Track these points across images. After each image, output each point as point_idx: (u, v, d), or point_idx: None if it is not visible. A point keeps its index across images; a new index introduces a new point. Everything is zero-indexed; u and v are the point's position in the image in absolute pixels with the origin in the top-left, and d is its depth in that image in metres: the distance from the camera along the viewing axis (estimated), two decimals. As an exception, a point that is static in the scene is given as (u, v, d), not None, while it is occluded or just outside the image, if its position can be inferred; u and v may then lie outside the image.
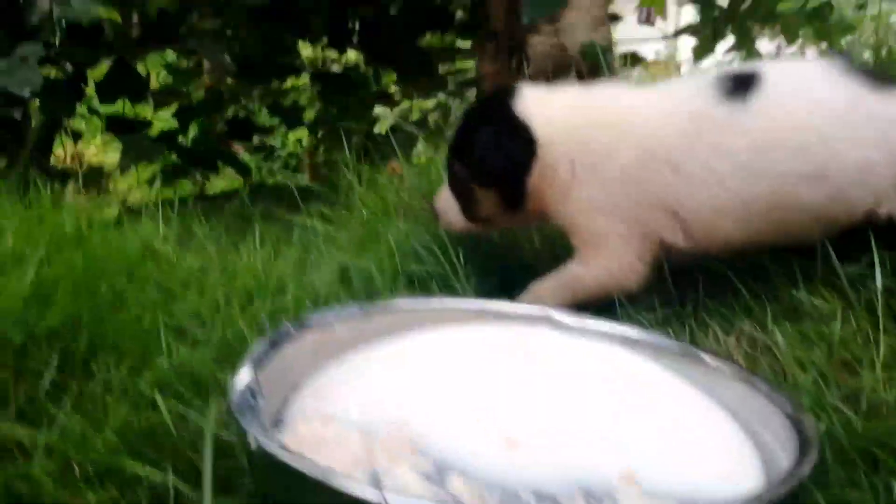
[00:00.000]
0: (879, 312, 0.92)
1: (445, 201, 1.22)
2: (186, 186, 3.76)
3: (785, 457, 0.75)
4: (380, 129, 4.45)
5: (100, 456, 0.79)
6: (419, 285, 1.20)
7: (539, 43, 2.81)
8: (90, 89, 3.19)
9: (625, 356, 0.95)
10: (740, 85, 1.06)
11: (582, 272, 1.15)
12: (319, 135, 4.06)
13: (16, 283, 1.02)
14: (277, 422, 0.82)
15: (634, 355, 0.95)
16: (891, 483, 0.73)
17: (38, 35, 2.67)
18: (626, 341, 0.98)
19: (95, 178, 3.41)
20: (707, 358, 0.91)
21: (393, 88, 4.28)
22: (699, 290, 1.09)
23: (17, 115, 2.75)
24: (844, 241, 1.02)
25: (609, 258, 1.13)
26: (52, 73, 3.04)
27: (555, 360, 0.95)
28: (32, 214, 1.37)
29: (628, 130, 1.10)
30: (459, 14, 3.52)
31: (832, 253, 1.00)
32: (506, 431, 0.80)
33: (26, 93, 2.42)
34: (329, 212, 1.69)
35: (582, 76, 2.78)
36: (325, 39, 3.55)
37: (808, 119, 1.04)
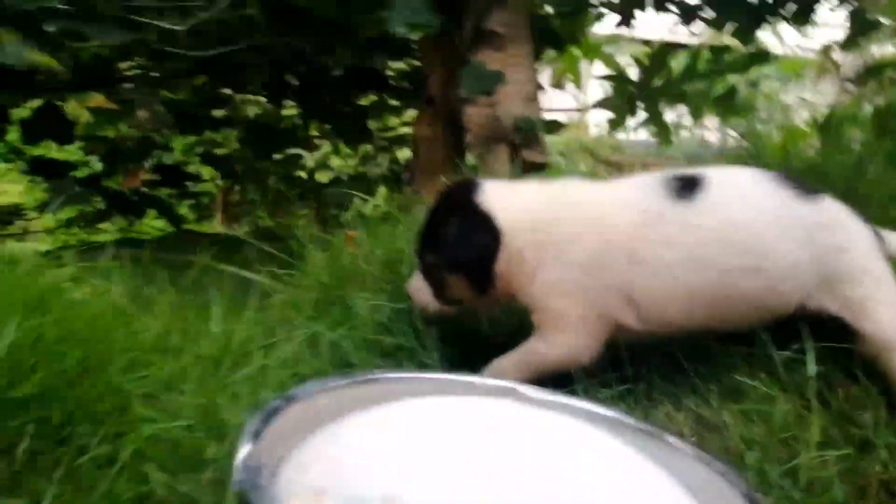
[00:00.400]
0: (811, 395, 1.04)
1: (418, 286, 1.31)
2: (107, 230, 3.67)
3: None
4: (305, 173, 4.48)
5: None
6: (389, 357, 1.25)
7: (475, 113, 2.94)
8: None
9: (590, 431, 1.02)
10: (687, 186, 1.19)
11: (542, 348, 1.23)
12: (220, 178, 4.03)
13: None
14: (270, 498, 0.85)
15: (598, 431, 1.02)
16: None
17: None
18: (589, 416, 1.05)
19: (8, 218, 3.29)
20: (666, 437, 1.00)
21: (313, 132, 4.34)
22: (651, 369, 1.18)
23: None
24: (778, 331, 1.15)
25: (567, 336, 1.21)
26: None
27: (526, 431, 1.01)
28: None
29: (590, 221, 1.20)
30: (397, 76, 3.65)
31: (768, 340, 1.12)
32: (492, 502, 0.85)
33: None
34: (281, 271, 1.70)
35: (515, 147, 2.94)
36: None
37: (746, 218, 1.17)
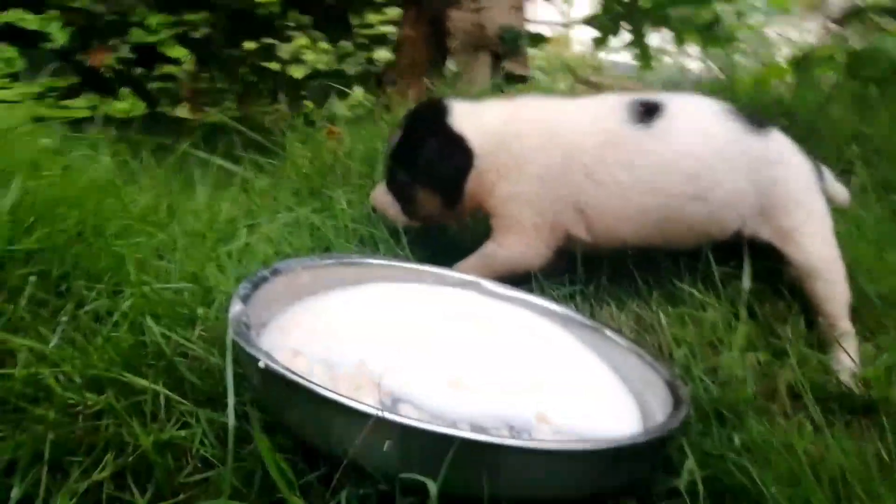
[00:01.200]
0: (741, 306, 1.18)
1: (385, 199, 1.39)
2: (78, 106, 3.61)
3: (661, 412, 0.97)
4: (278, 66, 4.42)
5: (98, 367, 0.89)
6: (365, 245, 1.35)
7: (459, 19, 2.94)
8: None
9: (540, 322, 1.15)
10: (647, 111, 1.28)
11: (497, 250, 1.33)
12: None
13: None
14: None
15: (548, 322, 1.14)
16: (732, 435, 0.97)
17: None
18: (541, 310, 1.17)
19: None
20: (606, 331, 1.13)
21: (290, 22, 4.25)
22: (601, 274, 1.30)
23: None
24: (720, 249, 1.27)
25: (521, 240, 1.32)
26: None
27: (485, 318, 1.12)
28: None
29: (551, 137, 1.29)
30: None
31: (710, 256, 1.25)
32: (448, 374, 0.97)
33: None
34: (261, 159, 1.76)
35: (497, 56, 2.96)
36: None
37: (697, 149, 1.27)
